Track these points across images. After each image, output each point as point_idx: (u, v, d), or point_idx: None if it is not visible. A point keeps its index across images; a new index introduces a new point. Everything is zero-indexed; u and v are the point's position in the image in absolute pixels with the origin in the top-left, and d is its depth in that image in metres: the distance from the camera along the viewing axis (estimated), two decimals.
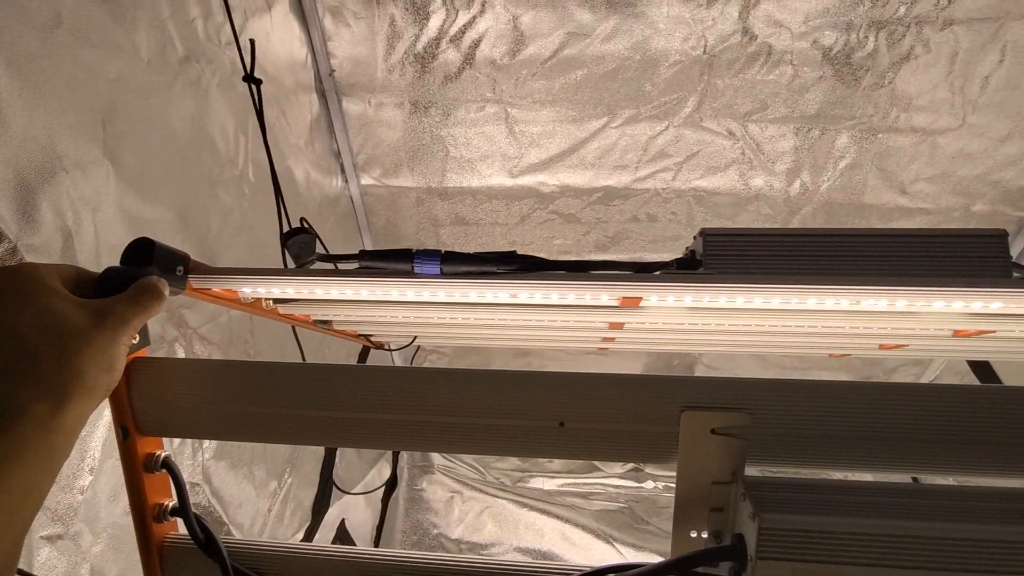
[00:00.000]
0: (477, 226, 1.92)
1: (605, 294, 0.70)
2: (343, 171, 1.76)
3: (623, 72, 1.54)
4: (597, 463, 2.37)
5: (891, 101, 1.48)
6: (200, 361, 0.73)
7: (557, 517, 2.27)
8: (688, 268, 0.72)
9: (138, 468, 0.62)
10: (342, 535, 1.79)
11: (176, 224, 1.07)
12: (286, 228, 1.08)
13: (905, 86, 1.45)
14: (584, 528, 2.28)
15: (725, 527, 0.55)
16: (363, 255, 0.70)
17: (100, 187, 0.90)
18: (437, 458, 2.48)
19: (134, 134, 0.96)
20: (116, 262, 0.58)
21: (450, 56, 1.54)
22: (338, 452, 1.78)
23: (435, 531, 2.28)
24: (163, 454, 0.63)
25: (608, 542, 2.27)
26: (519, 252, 0.70)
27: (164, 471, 0.64)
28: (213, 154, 1.17)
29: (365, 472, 2.03)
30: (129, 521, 0.64)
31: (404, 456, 2.48)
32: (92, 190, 0.88)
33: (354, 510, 1.92)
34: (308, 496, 1.61)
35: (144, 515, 0.64)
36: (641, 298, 0.72)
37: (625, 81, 1.56)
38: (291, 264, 1.00)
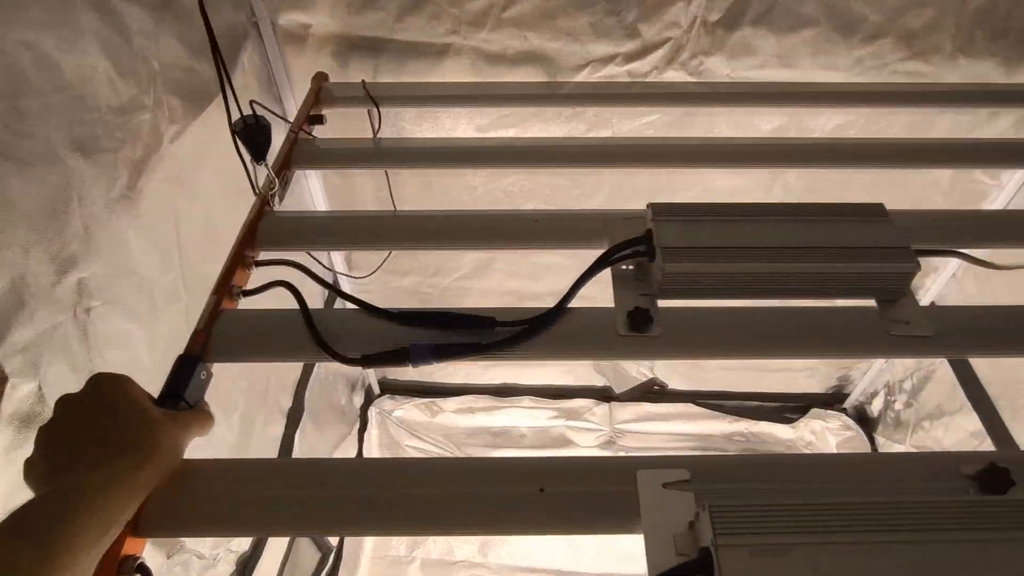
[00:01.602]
0: (443, 186, 1.78)
1: None
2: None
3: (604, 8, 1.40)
4: None
5: None
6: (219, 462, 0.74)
7: None
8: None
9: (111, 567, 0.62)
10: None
11: None
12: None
13: None
14: None
15: None
16: (368, 360, 0.83)
17: None
18: (405, 437, 2.39)
19: None
20: None
21: None
22: None
23: None
24: (141, 559, 0.66)
25: None
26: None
27: None
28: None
29: None
30: None
31: (373, 439, 2.36)
32: None
33: None
34: None
35: None
36: None
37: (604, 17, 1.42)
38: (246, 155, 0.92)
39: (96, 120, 0.91)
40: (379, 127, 1.40)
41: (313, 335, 0.84)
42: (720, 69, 1.48)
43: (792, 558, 0.56)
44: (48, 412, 0.77)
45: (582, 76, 1.51)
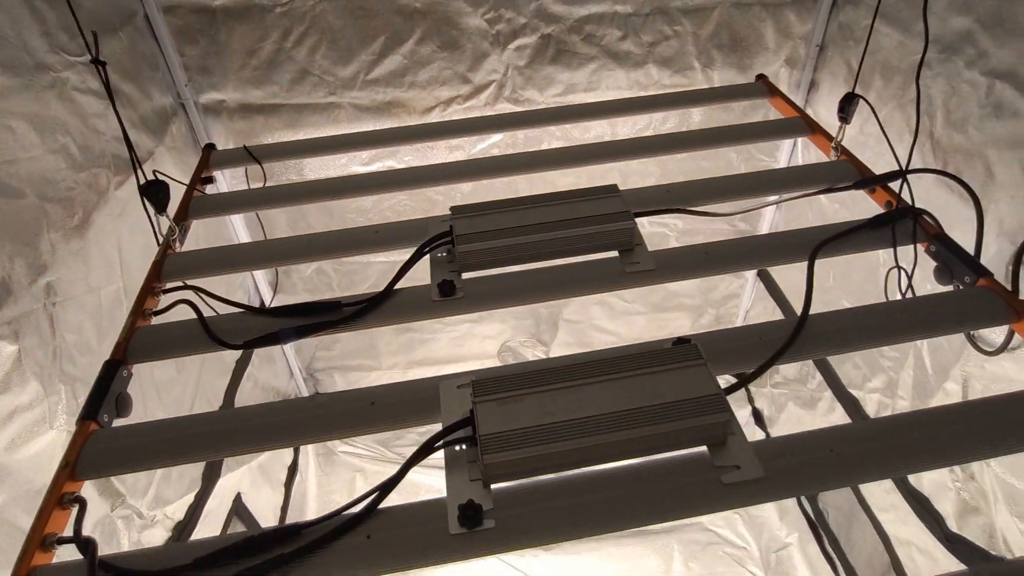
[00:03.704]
0: (341, 210, 2.12)
1: None
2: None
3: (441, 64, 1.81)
4: None
5: None
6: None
7: None
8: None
9: (53, 501, 0.92)
10: (239, 508, 1.92)
11: None
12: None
13: None
14: None
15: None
16: (248, 344, 1.16)
17: None
18: (339, 444, 2.64)
19: None
20: None
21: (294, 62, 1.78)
22: None
23: None
24: (79, 493, 0.94)
25: None
26: None
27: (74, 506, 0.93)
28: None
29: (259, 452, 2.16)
30: None
31: (309, 446, 2.61)
32: None
33: (253, 487, 2.05)
34: (197, 464, 1.73)
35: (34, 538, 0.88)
36: None
37: (442, 71, 1.81)
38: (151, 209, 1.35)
39: (61, 176, 1.30)
40: (265, 179, 1.73)
41: (206, 332, 1.15)
42: (536, 97, 1.89)
43: (526, 402, 0.89)
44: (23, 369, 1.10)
45: (434, 114, 1.89)
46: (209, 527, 1.71)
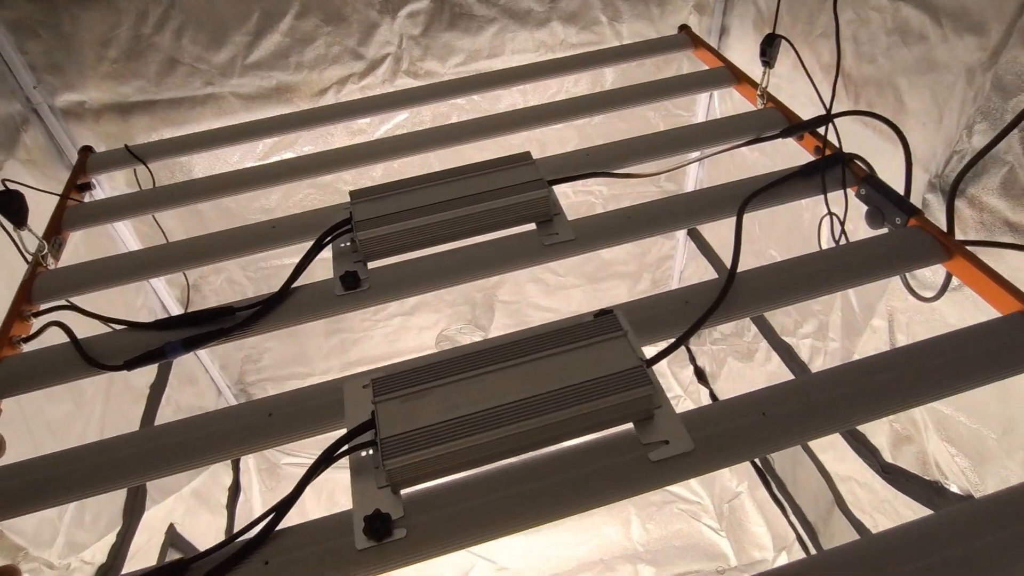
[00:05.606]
0: (240, 208, 1.97)
1: None
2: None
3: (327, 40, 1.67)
4: None
5: None
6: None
7: None
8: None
9: None
10: (175, 539, 1.81)
11: None
12: None
13: None
14: None
15: None
16: (129, 364, 1.02)
17: None
18: (282, 456, 2.53)
19: None
20: None
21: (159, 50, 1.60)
22: None
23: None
24: None
25: None
26: None
27: None
28: None
29: (190, 478, 2.04)
30: None
31: (250, 461, 2.49)
32: None
33: (188, 515, 1.93)
34: (114, 501, 1.60)
35: None
36: None
37: (329, 47, 1.67)
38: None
39: None
40: (153, 179, 1.58)
41: (82, 356, 1.02)
42: (438, 69, 1.78)
43: (430, 397, 0.82)
44: None
45: (328, 96, 1.75)
46: (138, 566, 1.58)
